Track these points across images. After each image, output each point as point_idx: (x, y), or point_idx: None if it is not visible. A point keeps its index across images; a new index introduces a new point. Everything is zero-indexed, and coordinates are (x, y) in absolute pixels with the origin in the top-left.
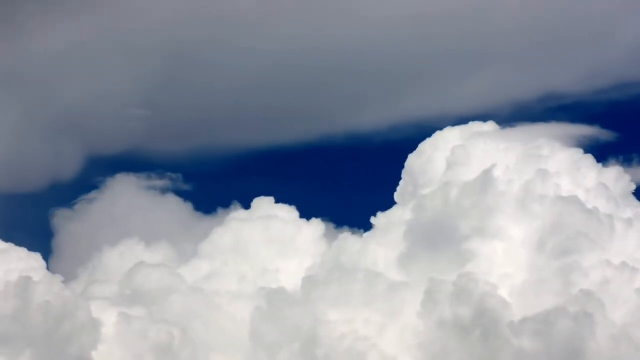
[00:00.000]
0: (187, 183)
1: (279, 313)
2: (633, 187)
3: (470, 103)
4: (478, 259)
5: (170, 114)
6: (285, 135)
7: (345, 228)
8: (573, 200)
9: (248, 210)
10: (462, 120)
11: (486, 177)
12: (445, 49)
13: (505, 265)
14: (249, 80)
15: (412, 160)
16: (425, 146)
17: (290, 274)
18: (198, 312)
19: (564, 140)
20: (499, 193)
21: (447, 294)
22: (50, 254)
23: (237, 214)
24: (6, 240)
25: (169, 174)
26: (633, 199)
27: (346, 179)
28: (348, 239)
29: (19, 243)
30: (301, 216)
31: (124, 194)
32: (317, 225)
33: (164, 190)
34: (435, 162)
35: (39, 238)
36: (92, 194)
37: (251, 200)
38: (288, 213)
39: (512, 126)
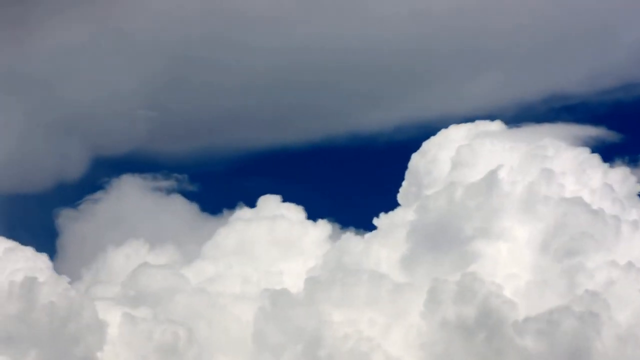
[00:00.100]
0: (193, 184)
1: (282, 314)
2: (639, 188)
3: (475, 103)
4: (482, 260)
5: (176, 114)
6: (291, 135)
7: (351, 229)
8: (578, 201)
9: (253, 209)
10: (467, 120)
11: (491, 177)
12: (450, 50)
13: (510, 266)
14: (254, 80)
15: (416, 160)
16: (429, 145)
17: (294, 275)
18: (202, 312)
19: (570, 141)
20: (504, 193)
21: (450, 293)
22: (55, 254)
23: (242, 213)
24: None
25: (175, 174)
26: (638, 200)
27: (351, 179)
28: (350, 240)
29: (23, 243)
30: (306, 217)
31: (129, 194)
32: (323, 227)
33: (169, 191)
34: (440, 161)
35: (43, 238)
36: (97, 195)
37: (257, 201)
38: (295, 213)
39: (517, 126)
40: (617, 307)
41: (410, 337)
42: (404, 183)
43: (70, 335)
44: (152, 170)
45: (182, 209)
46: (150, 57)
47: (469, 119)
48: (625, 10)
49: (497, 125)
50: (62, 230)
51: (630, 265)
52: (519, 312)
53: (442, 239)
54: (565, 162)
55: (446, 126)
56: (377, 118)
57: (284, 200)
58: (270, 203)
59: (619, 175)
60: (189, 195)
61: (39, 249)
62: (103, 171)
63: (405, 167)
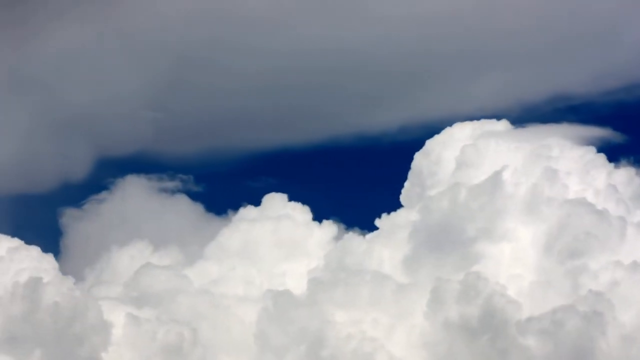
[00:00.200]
0: (198, 184)
1: (285, 315)
2: None
3: (479, 104)
4: (486, 261)
5: (180, 115)
6: (296, 136)
7: (356, 229)
8: (582, 202)
9: (258, 207)
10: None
11: (496, 178)
12: (454, 50)
13: (514, 266)
14: (258, 81)
15: (419, 160)
16: (433, 144)
17: (298, 276)
18: (205, 313)
19: (576, 142)
20: (509, 194)
21: (453, 293)
22: (58, 254)
23: (247, 212)
24: None
25: (180, 175)
26: None
27: (356, 180)
28: (352, 240)
29: (28, 243)
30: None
31: (134, 195)
32: (328, 227)
33: (174, 192)
34: (444, 161)
35: (47, 238)
36: (102, 195)
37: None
38: (301, 214)
39: (521, 127)
40: (621, 308)
41: (413, 337)
42: (406, 183)
43: (75, 336)
44: (158, 171)
45: (187, 210)
46: (155, 58)
47: (473, 119)
48: (629, 11)
49: (503, 125)
50: (66, 230)
51: (634, 265)
52: (523, 312)
53: (445, 239)
54: (571, 162)
55: (450, 126)
56: (381, 119)
57: (290, 200)
58: (275, 201)
59: (624, 175)
60: (194, 196)
61: (43, 248)
62: (108, 172)
63: (410, 168)
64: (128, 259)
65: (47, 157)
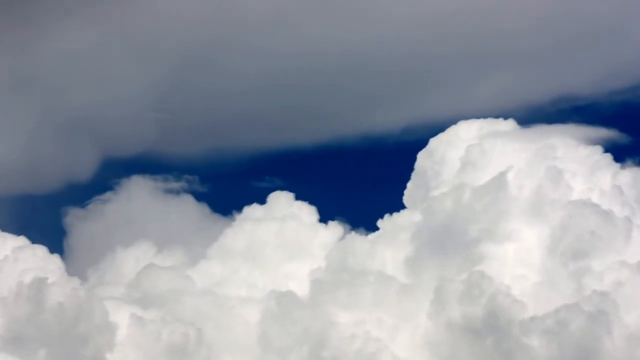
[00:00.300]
0: (204, 185)
1: (288, 315)
2: None
3: (484, 105)
4: (489, 262)
5: (185, 116)
6: (300, 136)
7: (362, 230)
8: (587, 202)
9: (264, 206)
10: None
11: (501, 178)
12: (459, 50)
13: (518, 267)
14: (262, 82)
15: (422, 159)
16: (436, 143)
17: (302, 276)
18: (208, 314)
19: (582, 142)
20: (514, 195)
21: (457, 292)
22: (62, 254)
23: (252, 211)
24: None
25: (186, 175)
26: None
27: (361, 180)
28: (354, 240)
29: (32, 242)
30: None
31: (139, 195)
32: (334, 228)
33: (180, 192)
34: (448, 161)
35: (51, 238)
36: (106, 195)
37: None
38: (307, 214)
39: (527, 127)
40: (626, 308)
41: (416, 337)
42: (409, 184)
43: (80, 336)
44: (163, 171)
45: (192, 210)
46: (159, 59)
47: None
48: (634, 11)
49: (509, 124)
50: (70, 230)
51: (639, 266)
52: (527, 312)
53: (449, 241)
54: (576, 163)
55: (455, 124)
56: (385, 119)
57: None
58: (281, 200)
59: (630, 176)
60: (199, 197)
61: (47, 248)
62: (112, 172)
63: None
64: (132, 260)
65: (51, 158)
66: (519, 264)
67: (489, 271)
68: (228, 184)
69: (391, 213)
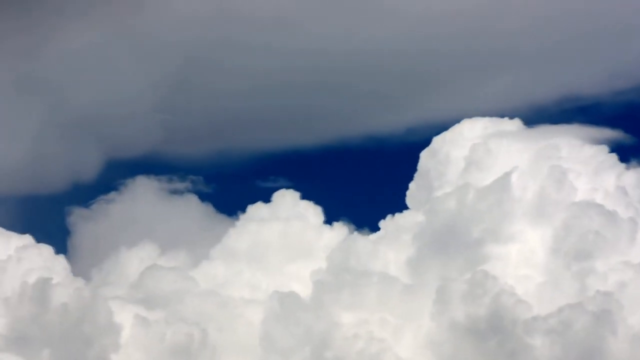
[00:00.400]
0: (209, 185)
1: (291, 316)
2: None
3: (488, 105)
4: (493, 262)
5: (190, 116)
6: (305, 136)
7: (366, 230)
8: (592, 203)
9: (269, 204)
10: None
11: (506, 179)
12: (463, 51)
13: (522, 267)
14: (267, 81)
15: (425, 159)
16: (440, 141)
17: (305, 277)
18: (211, 315)
19: (586, 143)
20: (518, 195)
21: (460, 292)
22: (66, 254)
23: (257, 209)
24: None
25: (190, 176)
26: None
27: (365, 180)
28: (356, 241)
29: (36, 242)
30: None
31: (143, 196)
32: (339, 229)
33: (185, 193)
34: (451, 160)
35: (55, 238)
36: (111, 195)
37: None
38: (313, 215)
39: (531, 127)
40: (630, 308)
41: (420, 338)
42: (411, 184)
43: (84, 337)
44: (167, 172)
45: (197, 211)
46: (164, 59)
47: None
48: (639, 11)
49: (514, 124)
50: (74, 230)
51: None
52: (530, 312)
53: (452, 241)
54: (581, 163)
55: (459, 123)
56: (389, 119)
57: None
58: (287, 199)
59: (635, 177)
60: (204, 197)
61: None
62: (117, 173)
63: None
64: (136, 261)
65: (56, 158)
66: (522, 264)
67: (493, 271)
68: (233, 184)
69: (394, 214)
